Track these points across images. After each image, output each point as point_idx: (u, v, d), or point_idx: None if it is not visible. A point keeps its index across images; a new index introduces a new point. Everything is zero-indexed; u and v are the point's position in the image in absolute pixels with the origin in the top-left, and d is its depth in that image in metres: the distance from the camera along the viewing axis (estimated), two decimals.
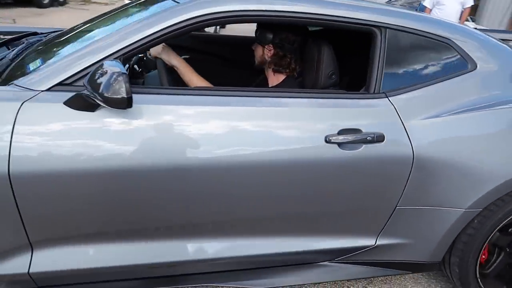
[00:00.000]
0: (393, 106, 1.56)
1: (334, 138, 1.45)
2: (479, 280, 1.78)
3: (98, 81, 1.19)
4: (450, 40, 1.65)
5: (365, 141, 1.48)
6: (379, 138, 1.49)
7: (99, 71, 1.21)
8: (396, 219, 1.66)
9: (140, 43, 1.37)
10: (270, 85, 1.89)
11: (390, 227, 1.68)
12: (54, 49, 1.71)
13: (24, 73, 1.39)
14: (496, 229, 1.69)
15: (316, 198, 1.55)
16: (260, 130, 1.43)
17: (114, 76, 1.18)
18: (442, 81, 1.63)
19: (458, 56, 1.66)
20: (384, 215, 1.65)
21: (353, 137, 1.47)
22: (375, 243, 1.71)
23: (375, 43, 1.59)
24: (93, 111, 1.28)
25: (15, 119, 1.22)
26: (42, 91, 1.28)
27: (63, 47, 1.67)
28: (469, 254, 1.72)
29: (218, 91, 1.47)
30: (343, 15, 1.54)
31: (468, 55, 1.67)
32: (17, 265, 1.38)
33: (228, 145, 1.38)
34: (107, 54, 1.33)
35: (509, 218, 1.68)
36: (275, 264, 1.67)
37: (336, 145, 1.46)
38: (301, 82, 1.87)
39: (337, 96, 1.57)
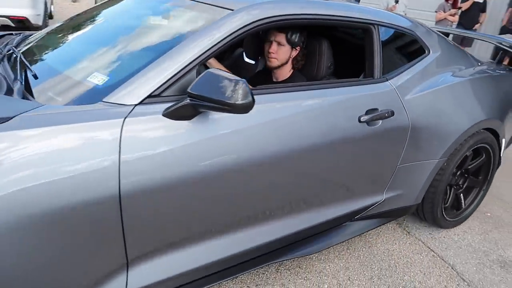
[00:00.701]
0: (393, 88, 2.01)
1: (363, 118, 1.81)
2: (443, 211, 2.48)
3: (215, 89, 1.24)
4: (414, 33, 2.20)
5: (382, 117, 1.89)
6: (391, 114, 1.93)
7: (208, 79, 1.26)
8: (396, 176, 2.14)
9: (213, 49, 1.43)
10: (279, 80, 2.12)
11: (392, 183, 2.17)
12: (100, 53, 1.64)
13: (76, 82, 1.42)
14: (452, 172, 2.34)
15: (350, 169, 1.92)
16: (319, 117, 1.70)
17: (239, 83, 1.25)
18: (415, 65, 2.16)
19: (419, 45, 2.22)
20: (389, 174, 2.12)
21: (375, 115, 1.86)
22: (383, 198, 2.18)
23: (372, 37, 1.97)
24: (190, 119, 1.33)
25: (121, 136, 1.21)
26: (136, 105, 1.29)
27: (116, 52, 1.61)
28: (438, 194, 2.35)
29: (300, 86, 1.75)
30: (351, 16, 1.90)
31: (424, 43, 2.24)
32: (114, 287, 1.36)
33: (307, 133, 1.64)
34: (186, 63, 1.37)
35: (458, 163, 2.34)
36: (315, 233, 1.96)
37: (365, 123, 1.83)
38: (304, 74, 2.10)
39: (357, 84, 1.92)
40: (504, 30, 7.34)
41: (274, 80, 2.13)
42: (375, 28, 1.96)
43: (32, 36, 2.09)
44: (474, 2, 7.15)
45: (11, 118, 1.11)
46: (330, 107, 1.73)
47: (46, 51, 1.81)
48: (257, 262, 1.74)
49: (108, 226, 1.24)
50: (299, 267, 2.11)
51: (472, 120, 2.26)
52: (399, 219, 2.58)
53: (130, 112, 1.26)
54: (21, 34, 2.16)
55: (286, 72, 2.09)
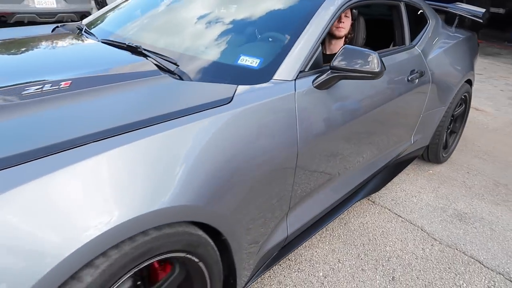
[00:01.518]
0: (420, 52, 2.52)
1: (409, 77, 2.30)
2: (442, 150, 3.16)
3: (353, 61, 1.55)
4: (421, 6, 2.75)
5: (419, 77, 2.40)
6: (423, 73, 2.44)
7: (347, 54, 1.57)
8: (420, 122, 2.64)
9: (326, 28, 1.74)
10: (333, 52, 2.35)
11: (417, 128, 2.67)
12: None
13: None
14: (450, 118, 3.03)
15: (400, 120, 2.37)
16: (384, 79, 2.09)
17: (372, 55, 1.55)
18: (425, 32, 2.70)
19: (424, 15, 2.79)
20: (417, 121, 2.61)
21: (415, 75, 2.36)
22: (412, 141, 2.69)
23: (401, 12, 2.46)
24: (328, 88, 1.67)
25: (295, 104, 1.51)
26: (295, 80, 1.56)
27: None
28: (441, 136, 3.00)
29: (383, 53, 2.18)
30: None
31: (426, 14, 2.80)
32: (279, 233, 1.64)
33: (378, 92, 2.06)
34: (315, 42, 1.66)
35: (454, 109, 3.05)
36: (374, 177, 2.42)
37: (411, 82, 2.32)
38: None
39: (400, 51, 2.36)
40: None
41: (328, 52, 2.37)
42: (402, 5, 2.47)
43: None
44: None
45: (232, 99, 1.34)
46: (389, 71, 2.12)
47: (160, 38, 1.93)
48: (350, 199, 2.20)
49: (286, 174, 1.52)
50: (289, 260, 2.03)
51: (463, 73, 2.95)
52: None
53: (294, 86, 1.54)
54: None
55: (340, 44, 2.33)
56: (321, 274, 1.96)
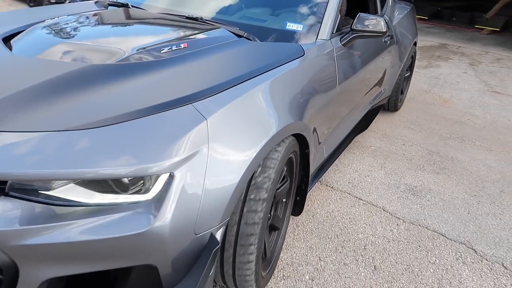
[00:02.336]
0: (388, 19, 3.10)
1: (385, 39, 2.95)
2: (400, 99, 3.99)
3: (366, 25, 2.12)
4: None
5: (390, 39, 3.03)
6: (392, 37, 3.11)
7: (361, 19, 2.13)
8: (387, 75, 3.20)
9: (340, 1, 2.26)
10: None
11: (385, 81, 3.22)
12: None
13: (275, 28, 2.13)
14: (405, 71, 3.82)
15: (379, 73, 2.96)
16: (376, 41, 2.78)
17: (379, 18, 2.13)
18: (388, 4, 3.37)
19: None
20: (385, 74, 3.13)
21: (388, 38, 2.99)
22: (382, 91, 3.28)
23: None
24: (349, 46, 2.25)
25: (335, 56, 2.09)
26: (330, 39, 2.09)
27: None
28: (399, 86, 3.71)
29: None
30: None
31: None
32: (320, 155, 2.20)
33: (369, 52, 2.67)
34: (337, 10, 2.18)
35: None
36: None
37: (385, 43, 2.97)
38: None
39: None
40: None
41: None
42: None
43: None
44: None
45: (304, 53, 1.87)
46: None
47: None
48: (349, 139, 2.77)
49: (333, 99, 2.08)
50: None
51: (413, 36, 3.78)
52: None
53: (332, 44, 2.09)
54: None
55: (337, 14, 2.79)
56: (307, 277, 1.86)
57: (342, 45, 2.18)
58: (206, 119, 1.23)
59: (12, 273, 1.10)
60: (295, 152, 1.73)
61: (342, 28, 2.30)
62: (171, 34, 1.91)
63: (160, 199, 1.12)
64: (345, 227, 2.23)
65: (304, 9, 2.23)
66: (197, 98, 1.30)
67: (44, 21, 2.04)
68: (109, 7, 2.40)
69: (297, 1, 2.25)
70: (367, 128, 3.05)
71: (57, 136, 1.12)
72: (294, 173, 1.83)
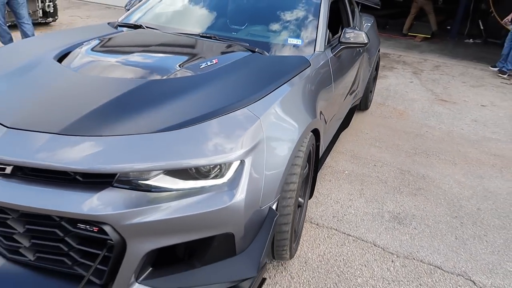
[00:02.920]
0: (364, 31, 2.81)
1: (359, 48, 3.19)
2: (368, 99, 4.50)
3: (351, 37, 2.57)
4: None
5: (362, 48, 3.29)
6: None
7: (346, 32, 2.59)
8: (360, 79, 3.63)
9: (327, 18, 2.76)
10: None
11: (358, 83, 3.60)
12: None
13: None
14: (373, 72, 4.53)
15: (357, 76, 3.45)
16: (353, 50, 3.25)
17: (360, 31, 2.59)
18: (357, 17, 3.84)
19: (352, 4, 3.88)
20: (359, 78, 3.58)
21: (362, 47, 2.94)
22: (357, 91, 3.64)
23: (345, 4, 3.36)
24: (338, 56, 2.70)
25: (330, 62, 2.54)
26: (323, 51, 2.54)
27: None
28: (370, 86, 4.29)
29: None
30: None
31: (354, 3, 3.89)
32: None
33: (354, 59, 3.30)
34: (326, 27, 2.66)
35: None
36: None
37: (359, 51, 3.45)
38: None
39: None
40: None
41: None
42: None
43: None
44: None
45: (310, 63, 2.29)
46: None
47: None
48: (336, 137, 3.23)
49: (332, 98, 2.56)
50: None
51: (378, 44, 4.47)
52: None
53: (326, 54, 2.56)
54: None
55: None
56: None
57: (334, 55, 2.64)
58: (259, 118, 1.61)
59: (121, 248, 1.36)
60: (313, 144, 2.09)
61: (331, 40, 2.80)
62: (198, 51, 2.26)
63: (234, 181, 1.46)
64: (342, 272, 2.07)
65: (300, 27, 2.66)
66: (248, 103, 1.68)
67: (86, 42, 2.30)
68: (119, 28, 2.72)
69: (294, 20, 2.69)
70: (348, 125, 3.54)
71: (149, 137, 1.44)
72: (311, 161, 2.19)
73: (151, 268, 1.47)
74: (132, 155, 1.37)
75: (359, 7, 4.37)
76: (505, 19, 6.71)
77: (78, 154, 1.37)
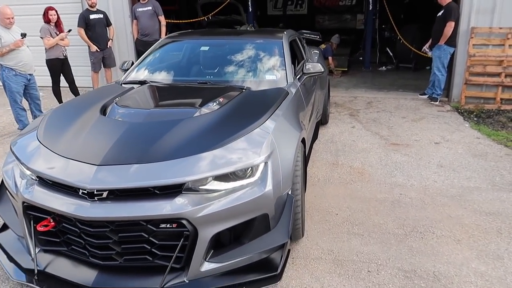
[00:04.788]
0: (321, 63, 4.46)
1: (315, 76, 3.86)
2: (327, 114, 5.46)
3: (310, 68, 3.50)
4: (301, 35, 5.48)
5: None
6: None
7: (309, 65, 3.53)
8: (318, 99, 4.39)
9: (290, 55, 3.67)
10: None
11: (318, 102, 4.39)
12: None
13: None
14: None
15: (317, 97, 4.24)
16: (312, 77, 3.82)
17: (319, 64, 3.67)
18: (307, 51, 4.90)
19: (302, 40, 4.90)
20: (318, 98, 4.37)
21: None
22: (317, 109, 4.45)
23: (299, 42, 4.43)
24: (303, 83, 3.54)
25: (300, 90, 3.30)
26: (293, 81, 3.35)
27: None
28: (326, 105, 5.15)
29: None
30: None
31: (304, 40, 5.25)
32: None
33: (314, 85, 4.17)
34: (291, 63, 3.57)
35: None
36: None
37: (315, 78, 4.14)
38: None
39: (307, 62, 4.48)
40: (138, 42, 7.00)
41: None
42: (297, 38, 4.46)
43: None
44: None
45: (288, 93, 3.02)
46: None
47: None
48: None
49: (308, 115, 3.42)
50: None
51: (326, 70, 5.30)
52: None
53: (296, 83, 3.31)
54: None
55: None
56: None
57: (301, 83, 3.41)
58: (270, 133, 2.31)
59: (194, 236, 1.95)
60: (304, 151, 2.79)
61: (296, 71, 3.55)
62: (205, 94, 2.91)
63: (263, 177, 2.12)
64: None
65: (272, 65, 3.46)
66: (259, 124, 2.37)
67: (114, 98, 2.90)
68: (123, 85, 3.39)
69: (267, 61, 3.52)
70: (317, 137, 4.39)
71: (199, 157, 2.08)
72: (303, 162, 2.67)
73: (213, 250, 2.07)
74: (191, 170, 2.01)
75: (304, 40, 5.04)
76: (423, 47, 6.58)
77: (154, 174, 1.99)
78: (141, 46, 7.14)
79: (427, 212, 3.07)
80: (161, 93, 3.10)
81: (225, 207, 1.96)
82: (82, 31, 6.55)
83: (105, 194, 1.94)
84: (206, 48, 3.78)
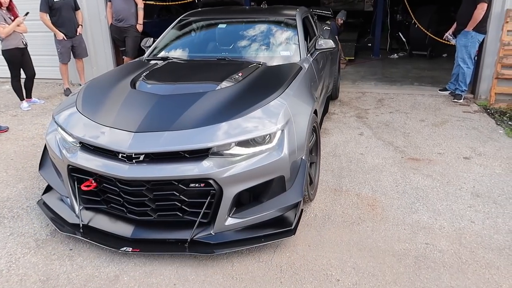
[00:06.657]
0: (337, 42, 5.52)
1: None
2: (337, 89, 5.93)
3: (323, 44, 3.75)
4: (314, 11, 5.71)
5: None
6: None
7: (321, 42, 3.81)
8: (330, 73, 4.73)
9: (303, 32, 3.92)
10: None
11: (329, 76, 4.68)
12: None
13: None
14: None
15: (330, 71, 4.68)
16: (325, 52, 4.03)
17: (330, 40, 3.82)
18: (319, 27, 5.10)
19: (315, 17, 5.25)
20: (330, 72, 4.71)
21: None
22: (332, 85, 5.16)
23: (311, 18, 4.56)
24: (316, 58, 3.81)
25: (312, 65, 3.55)
26: (306, 56, 3.55)
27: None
28: (336, 80, 5.49)
29: None
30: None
31: (316, 16, 5.62)
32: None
33: (326, 59, 4.44)
34: (304, 39, 3.78)
35: None
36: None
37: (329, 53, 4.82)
38: None
39: (319, 37, 4.69)
40: (112, 28, 6.06)
41: None
42: (310, 15, 4.73)
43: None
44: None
45: (301, 67, 3.25)
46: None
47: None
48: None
49: (318, 84, 3.60)
50: None
51: (338, 46, 5.61)
52: None
53: (308, 58, 3.52)
54: None
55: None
56: None
57: (314, 58, 3.61)
58: (286, 105, 2.51)
59: (219, 194, 2.21)
60: (316, 122, 3.02)
61: (308, 47, 3.74)
62: (225, 69, 3.15)
63: (280, 144, 2.34)
64: None
65: (287, 42, 3.66)
66: (276, 96, 2.57)
67: (142, 73, 3.14)
68: (146, 61, 3.62)
69: (282, 38, 3.73)
70: (327, 111, 4.68)
71: (224, 125, 2.30)
72: (317, 132, 3.07)
73: (235, 208, 2.33)
74: (216, 136, 2.23)
75: (315, 17, 5.11)
76: (446, 34, 5.54)
77: (184, 140, 2.23)
78: (115, 33, 6.19)
79: (467, 279, 2.15)
80: (184, 69, 3.33)
81: (246, 169, 2.23)
82: (46, 16, 5.62)
83: (141, 157, 2.22)
84: (224, 25, 3.91)
